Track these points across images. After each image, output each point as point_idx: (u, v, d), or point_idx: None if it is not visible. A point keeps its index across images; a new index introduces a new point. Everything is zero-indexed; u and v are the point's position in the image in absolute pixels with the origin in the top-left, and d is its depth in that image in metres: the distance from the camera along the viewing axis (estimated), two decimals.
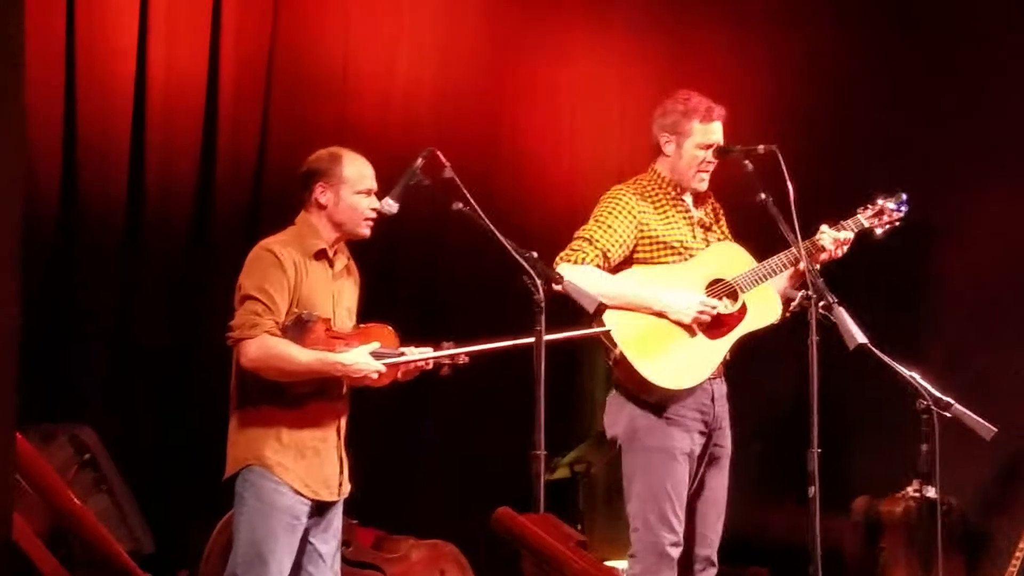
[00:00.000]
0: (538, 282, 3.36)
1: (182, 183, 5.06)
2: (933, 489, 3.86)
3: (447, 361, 3.53)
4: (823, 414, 3.60)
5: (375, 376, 3.41)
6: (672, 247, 3.91)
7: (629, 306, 3.81)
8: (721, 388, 3.95)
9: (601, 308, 3.49)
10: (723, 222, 4.09)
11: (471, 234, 3.48)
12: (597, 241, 3.85)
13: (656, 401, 3.83)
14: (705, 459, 3.93)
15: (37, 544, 2.49)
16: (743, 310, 3.88)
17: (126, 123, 4.94)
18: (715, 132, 3.95)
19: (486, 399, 5.44)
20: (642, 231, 3.90)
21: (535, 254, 3.44)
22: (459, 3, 5.74)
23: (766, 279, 3.90)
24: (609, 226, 3.87)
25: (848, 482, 5.37)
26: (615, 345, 3.79)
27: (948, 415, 3.66)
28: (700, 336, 3.84)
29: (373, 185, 3.53)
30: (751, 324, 3.89)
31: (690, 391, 3.84)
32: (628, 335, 3.79)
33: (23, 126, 2.22)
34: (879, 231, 4.08)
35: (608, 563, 4.54)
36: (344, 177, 3.49)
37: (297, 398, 3.41)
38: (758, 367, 4.16)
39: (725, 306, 3.87)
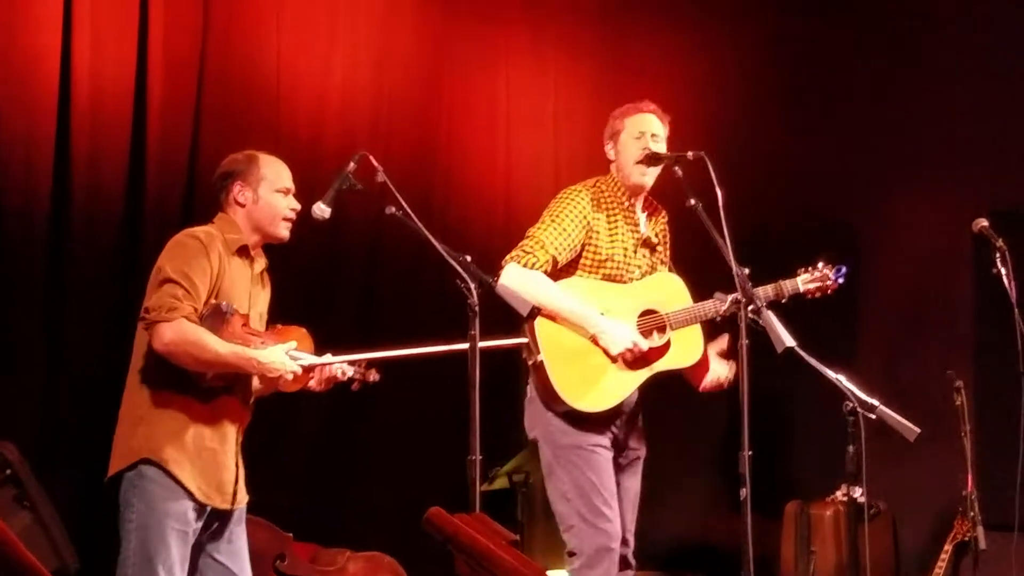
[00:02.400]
0: (472, 286, 3.34)
1: (110, 191, 4.96)
2: (860, 491, 3.90)
3: (358, 376, 3.50)
4: (757, 418, 3.63)
5: (290, 377, 3.36)
6: (614, 260, 3.97)
7: (566, 320, 3.85)
8: (630, 398, 3.98)
9: (534, 312, 3.50)
10: (668, 247, 4.15)
11: (409, 239, 3.46)
12: (549, 245, 3.89)
13: (564, 412, 3.88)
14: (618, 462, 3.97)
15: None
16: (667, 345, 3.94)
17: (50, 129, 4.82)
18: (645, 122, 4.02)
19: (421, 409, 5.43)
20: (590, 238, 3.94)
21: (468, 258, 3.43)
22: (395, 9, 5.74)
23: (697, 321, 3.95)
24: (564, 229, 3.92)
25: (782, 486, 5.42)
26: (539, 351, 3.82)
27: (873, 416, 3.71)
28: (620, 364, 3.90)
29: (290, 185, 3.52)
30: (671, 362, 3.96)
31: (597, 412, 3.88)
32: (553, 346, 3.83)
33: None
34: (809, 296, 4.09)
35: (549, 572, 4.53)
36: (262, 175, 3.48)
37: (204, 394, 3.33)
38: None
39: (651, 340, 3.91)
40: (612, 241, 3.97)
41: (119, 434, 3.35)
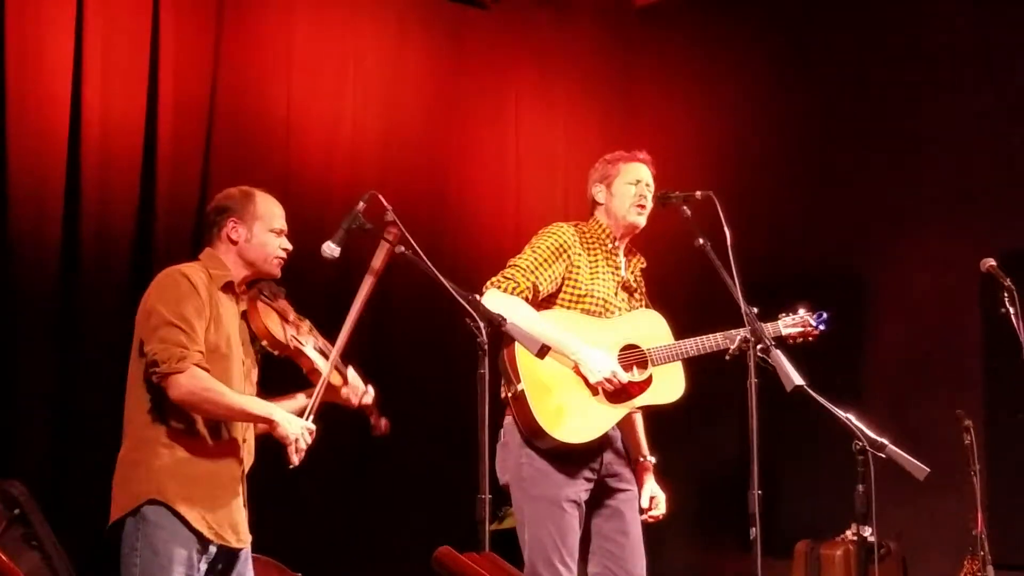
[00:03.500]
0: (481, 324, 3.34)
1: (120, 233, 5.00)
2: (870, 530, 3.88)
3: (372, 417, 3.52)
4: (766, 458, 3.62)
5: (297, 442, 3.30)
6: (593, 297, 3.97)
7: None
8: (613, 433, 3.95)
9: (544, 350, 3.48)
10: (643, 292, 4.16)
11: (418, 278, 3.47)
12: (530, 273, 3.89)
13: (543, 447, 3.83)
14: (605, 503, 3.92)
15: None
16: (648, 381, 3.92)
17: (60, 171, 4.87)
18: (640, 171, 4.06)
19: (430, 447, 5.42)
20: (570, 272, 3.95)
21: (478, 296, 3.44)
22: (404, 51, 5.79)
23: (679, 358, 3.95)
24: (545, 260, 3.92)
25: (792, 525, 5.40)
26: (518, 380, 3.78)
27: (883, 456, 3.70)
28: (601, 397, 3.87)
29: (284, 226, 3.50)
30: (651, 398, 3.93)
31: (577, 445, 3.84)
32: (533, 375, 3.80)
33: None
34: (791, 341, 4.06)
35: None
36: (258, 214, 3.45)
37: (209, 432, 3.29)
38: (700, 413, 4.18)
39: (632, 375, 3.90)
40: (592, 279, 3.99)
41: (119, 479, 3.29)
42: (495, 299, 3.79)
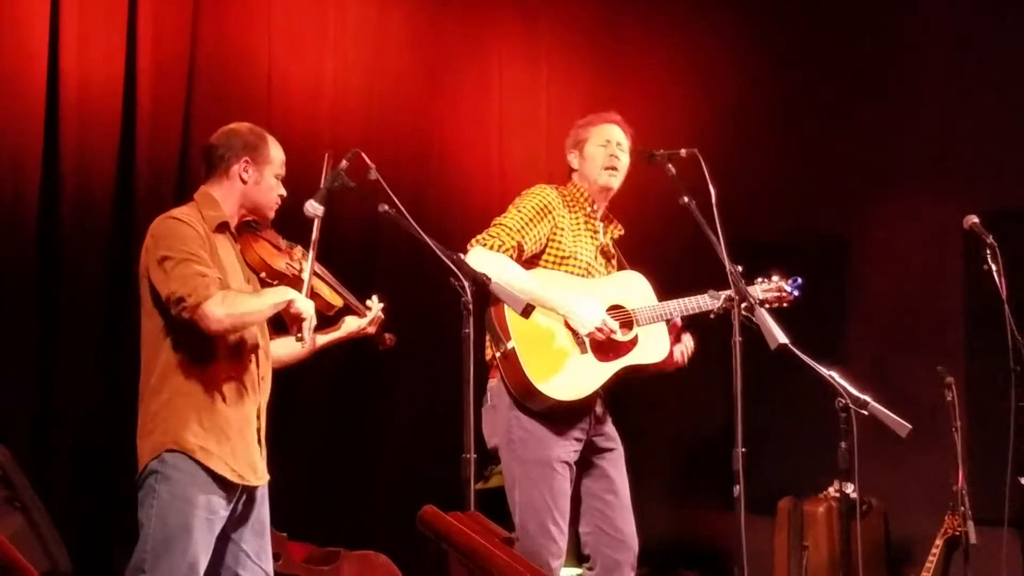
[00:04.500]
0: (465, 284, 3.34)
1: (99, 191, 4.94)
2: (852, 487, 3.91)
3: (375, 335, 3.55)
4: (749, 417, 3.63)
5: (311, 318, 3.32)
6: (577, 259, 3.98)
7: (535, 303, 3.81)
8: (600, 391, 3.96)
9: (529, 309, 3.48)
10: (619, 256, 4.17)
11: (402, 237, 3.46)
12: (516, 232, 3.89)
13: (535, 407, 3.84)
14: (594, 462, 3.95)
15: None
16: (634, 341, 3.94)
17: (38, 131, 4.81)
18: (610, 131, 4.08)
19: (415, 407, 5.43)
20: (554, 233, 3.94)
21: (462, 256, 3.43)
22: (388, 10, 5.75)
23: (663, 319, 3.97)
24: (530, 220, 3.93)
25: (775, 483, 5.44)
26: (508, 338, 3.77)
27: (865, 413, 3.72)
28: (590, 354, 3.87)
29: (284, 171, 3.49)
30: (639, 357, 3.95)
31: (569, 403, 3.85)
32: (524, 333, 3.80)
33: None
34: (767, 306, 4.07)
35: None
36: (270, 157, 3.43)
37: (216, 380, 3.27)
38: (683, 371, 4.19)
39: (620, 334, 3.91)
40: (575, 240, 4.00)
41: (141, 433, 3.28)
42: (481, 256, 3.79)
